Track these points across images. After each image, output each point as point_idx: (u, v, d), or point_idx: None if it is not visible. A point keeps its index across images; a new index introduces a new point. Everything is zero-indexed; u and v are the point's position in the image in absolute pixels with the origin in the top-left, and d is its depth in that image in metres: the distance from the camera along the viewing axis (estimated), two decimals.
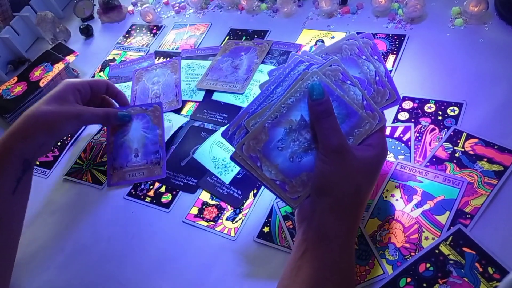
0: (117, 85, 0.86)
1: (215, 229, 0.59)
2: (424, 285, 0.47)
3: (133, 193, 0.67)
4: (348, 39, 0.50)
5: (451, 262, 0.47)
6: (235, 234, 0.58)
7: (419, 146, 0.59)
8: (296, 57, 0.49)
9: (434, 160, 0.56)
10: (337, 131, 0.43)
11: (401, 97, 0.65)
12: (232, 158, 0.45)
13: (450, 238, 0.49)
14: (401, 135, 0.60)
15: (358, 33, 0.52)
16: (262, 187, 0.61)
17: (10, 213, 0.55)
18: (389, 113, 0.64)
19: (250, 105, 0.48)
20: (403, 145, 0.59)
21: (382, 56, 0.72)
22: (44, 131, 0.59)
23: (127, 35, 1.00)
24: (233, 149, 0.46)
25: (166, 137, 0.72)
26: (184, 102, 0.78)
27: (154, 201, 0.65)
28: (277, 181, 0.45)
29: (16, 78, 0.92)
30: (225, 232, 0.58)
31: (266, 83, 0.50)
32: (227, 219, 0.60)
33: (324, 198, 0.44)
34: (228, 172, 0.64)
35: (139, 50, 0.94)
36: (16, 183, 0.55)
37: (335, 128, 0.43)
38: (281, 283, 0.44)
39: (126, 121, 0.70)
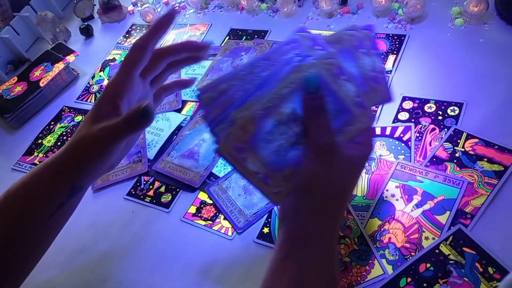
0: None
1: (213, 228, 0.59)
2: (424, 285, 0.47)
3: (133, 192, 0.67)
4: (350, 30, 0.48)
5: (451, 262, 0.47)
6: (232, 234, 0.58)
7: (419, 145, 0.59)
8: (294, 38, 0.46)
9: (434, 159, 0.56)
10: (329, 130, 0.42)
11: (400, 96, 0.65)
12: (217, 151, 0.43)
13: (450, 238, 0.49)
14: (401, 135, 0.60)
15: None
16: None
17: (39, 238, 0.48)
18: (389, 113, 0.64)
19: (232, 75, 0.44)
20: (403, 144, 0.59)
21: (382, 56, 0.72)
22: (90, 159, 0.46)
23: (127, 35, 1.00)
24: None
25: (165, 137, 0.73)
26: (184, 102, 0.78)
27: (154, 201, 0.65)
28: (260, 174, 0.43)
29: (16, 78, 0.92)
30: (223, 231, 0.58)
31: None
32: (224, 219, 0.60)
33: (310, 198, 0.42)
34: (227, 167, 0.64)
35: None
36: (56, 208, 0.47)
37: (326, 126, 0.42)
38: (264, 285, 0.42)
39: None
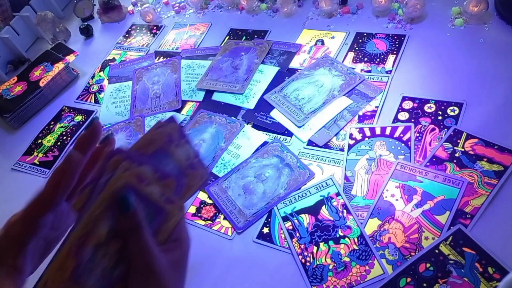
0: (116, 85, 0.87)
1: (213, 228, 0.59)
2: (424, 285, 0.47)
3: None
4: (156, 129, 0.48)
5: (451, 262, 0.47)
6: (232, 234, 0.58)
7: (419, 145, 0.59)
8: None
9: (434, 159, 0.56)
10: (147, 249, 0.38)
11: (400, 96, 0.65)
12: None
13: (450, 238, 0.49)
14: (401, 135, 0.60)
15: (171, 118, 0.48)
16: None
17: None
18: (389, 113, 0.64)
19: None
20: (403, 144, 0.59)
21: (382, 56, 0.72)
22: None
23: (127, 35, 1.00)
24: None
25: None
26: (184, 102, 0.78)
27: None
28: None
29: (16, 78, 0.92)
30: (222, 231, 0.58)
31: None
32: (224, 218, 0.60)
33: None
34: (226, 167, 0.64)
35: (139, 50, 0.94)
36: None
37: (145, 246, 0.38)
38: None
39: None
